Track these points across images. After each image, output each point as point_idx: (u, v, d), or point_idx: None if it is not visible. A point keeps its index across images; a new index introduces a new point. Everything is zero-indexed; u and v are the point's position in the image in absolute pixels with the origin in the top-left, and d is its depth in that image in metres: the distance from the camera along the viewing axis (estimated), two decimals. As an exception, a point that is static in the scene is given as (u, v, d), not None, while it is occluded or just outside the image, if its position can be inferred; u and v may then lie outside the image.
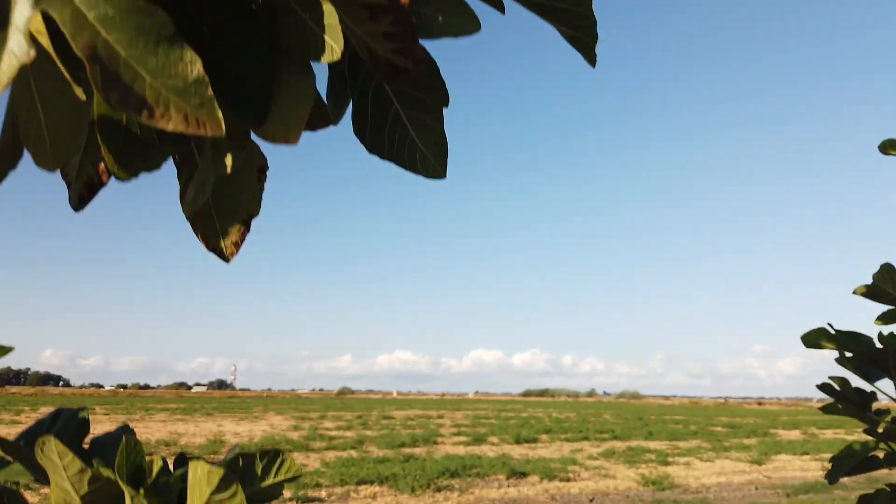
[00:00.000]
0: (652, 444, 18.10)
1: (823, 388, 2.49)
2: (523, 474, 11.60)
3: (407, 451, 15.12)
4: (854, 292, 1.99)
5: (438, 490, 9.89)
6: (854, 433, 24.17)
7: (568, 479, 11.39)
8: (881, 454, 2.31)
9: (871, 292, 1.48)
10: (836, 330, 2.44)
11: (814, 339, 2.53)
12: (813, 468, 13.48)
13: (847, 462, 2.27)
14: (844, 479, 11.89)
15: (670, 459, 14.60)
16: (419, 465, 11.85)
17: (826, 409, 2.47)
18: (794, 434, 23.64)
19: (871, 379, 2.40)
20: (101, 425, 18.54)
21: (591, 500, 9.65)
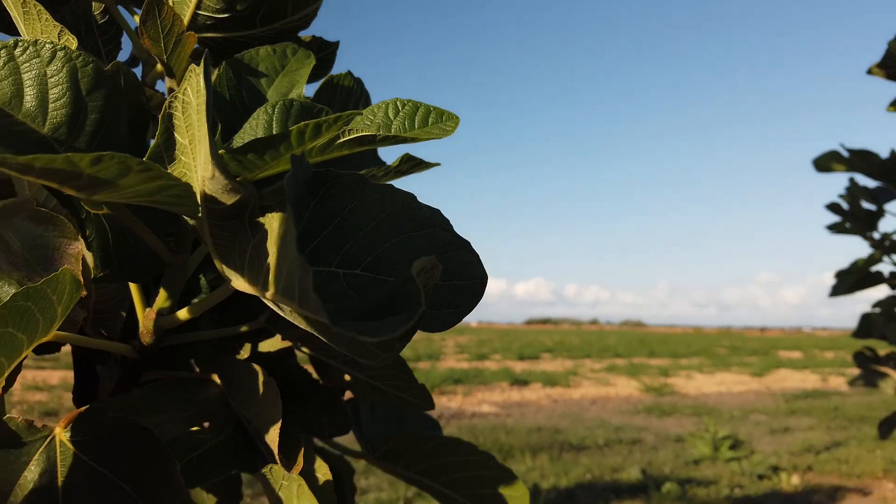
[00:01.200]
0: (653, 362, 18.38)
1: (832, 207, 2.42)
2: (525, 382, 11.83)
3: (411, 365, 15.38)
4: (889, 108, 1.88)
5: (443, 394, 10.10)
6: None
7: (569, 387, 11.60)
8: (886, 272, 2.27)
9: (885, 62, 1.39)
10: (848, 149, 2.36)
11: (825, 162, 2.46)
12: (812, 380, 13.68)
13: (850, 276, 2.24)
14: (843, 388, 12.06)
15: (671, 373, 14.85)
16: (423, 375, 12.09)
17: (833, 228, 2.41)
18: (795, 354, 23.96)
19: (879, 201, 2.33)
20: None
21: (592, 404, 9.84)
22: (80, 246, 0.52)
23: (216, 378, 0.57)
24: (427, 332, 0.42)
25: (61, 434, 0.51)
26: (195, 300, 0.53)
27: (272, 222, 0.36)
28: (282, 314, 0.39)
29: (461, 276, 0.41)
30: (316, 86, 0.70)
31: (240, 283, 0.41)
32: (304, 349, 0.55)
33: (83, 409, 0.51)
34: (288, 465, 0.49)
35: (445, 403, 9.27)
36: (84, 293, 0.49)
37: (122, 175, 0.32)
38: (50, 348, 0.60)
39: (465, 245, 0.42)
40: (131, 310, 0.55)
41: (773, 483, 5.15)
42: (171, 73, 0.59)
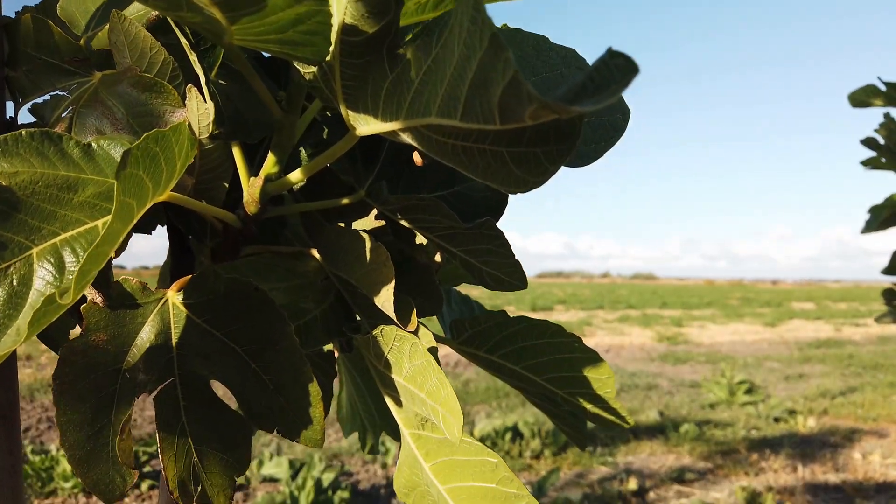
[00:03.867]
0: (666, 312, 18.44)
1: (867, 142, 2.39)
2: (540, 331, 11.91)
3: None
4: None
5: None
6: (868, 304, 24.46)
7: (583, 336, 11.69)
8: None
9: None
10: (885, 83, 2.31)
11: (862, 97, 2.41)
12: (826, 330, 13.70)
13: (884, 211, 2.21)
14: (857, 338, 12.08)
15: (684, 323, 14.91)
16: (437, 326, 12.17)
17: (867, 163, 2.38)
18: (808, 305, 23.96)
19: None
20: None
21: (606, 352, 9.92)
22: (184, 113, 0.52)
23: (314, 252, 0.57)
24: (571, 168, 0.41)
25: (174, 297, 0.51)
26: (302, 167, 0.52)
27: (418, 49, 0.36)
28: (419, 148, 0.38)
29: (602, 112, 0.40)
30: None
31: (371, 126, 0.41)
32: (404, 222, 0.55)
33: (195, 273, 0.51)
34: (403, 323, 0.50)
35: (461, 351, 9.36)
36: (196, 152, 0.49)
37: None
38: (147, 225, 0.60)
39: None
40: (233, 183, 0.55)
41: (790, 425, 5.21)
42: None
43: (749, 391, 6.16)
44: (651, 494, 3.68)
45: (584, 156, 0.40)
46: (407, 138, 0.39)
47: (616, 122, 0.40)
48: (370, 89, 0.40)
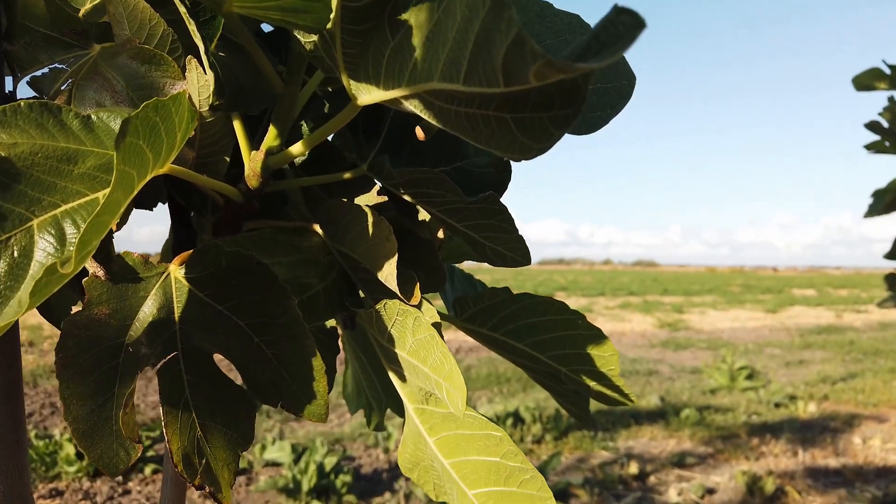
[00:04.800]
0: (667, 299, 18.46)
1: (871, 125, 2.38)
2: (541, 317, 11.93)
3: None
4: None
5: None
6: (869, 290, 24.44)
7: (585, 322, 11.71)
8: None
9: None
10: (890, 66, 2.29)
11: (866, 80, 2.40)
12: (827, 316, 13.71)
13: (887, 195, 2.20)
14: (857, 324, 12.09)
15: (685, 310, 14.93)
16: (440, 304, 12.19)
17: (871, 147, 2.37)
18: (809, 292, 23.97)
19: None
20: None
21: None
22: (184, 85, 0.52)
23: (316, 227, 0.57)
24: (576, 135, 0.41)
25: (176, 271, 0.51)
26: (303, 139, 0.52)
27: (420, 14, 0.35)
28: (422, 117, 0.38)
29: (607, 79, 0.40)
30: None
31: (372, 95, 0.40)
32: (407, 197, 0.55)
33: (196, 248, 0.51)
34: (406, 297, 0.49)
35: (464, 337, 9.39)
36: (196, 124, 0.49)
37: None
38: (148, 201, 0.60)
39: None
40: (233, 158, 0.55)
41: (790, 411, 5.22)
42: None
43: (750, 377, 6.17)
44: (652, 479, 3.70)
45: (589, 123, 0.40)
46: (410, 106, 0.38)
47: (622, 89, 0.40)
48: (371, 57, 0.39)
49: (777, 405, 5.39)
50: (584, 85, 0.31)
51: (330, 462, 3.37)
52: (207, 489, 0.49)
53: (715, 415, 5.03)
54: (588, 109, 0.39)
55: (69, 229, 0.44)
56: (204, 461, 0.50)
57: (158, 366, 0.49)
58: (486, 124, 0.35)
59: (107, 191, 0.45)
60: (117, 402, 0.48)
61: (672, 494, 3.45)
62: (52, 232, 0.43)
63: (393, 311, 0.50)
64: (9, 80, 0.57)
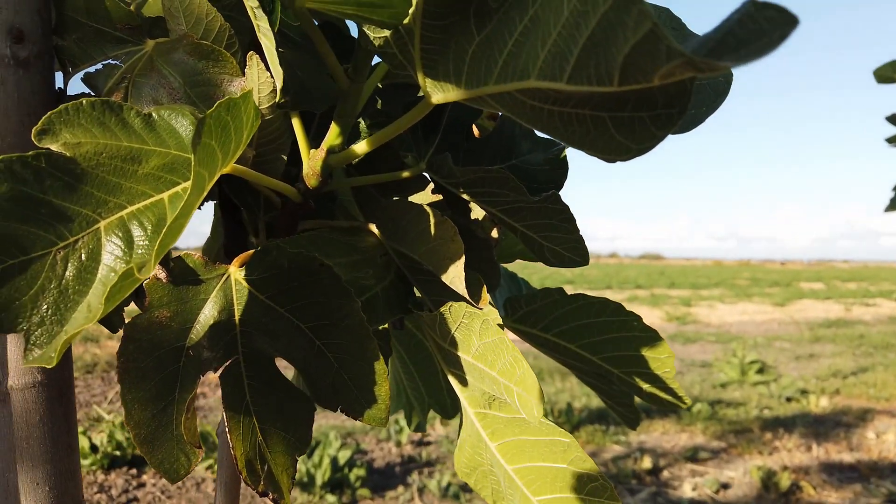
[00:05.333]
0: (674, 293, 18.42)
1: (893, 119, 2.34)
2: (549, 311, 11.92)
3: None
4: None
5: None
6: (878, 284, 24.33)
7: (593, 315, 11.69)
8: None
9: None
10: (915, 58, 2.25)
11: (888, 72, 2.37)
12: (836, 310, 13.65)
13: (911, 188, 2.17)
14: (867, 318, 12.03)
15: (693, 303, 14.89)
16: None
17: (893, 140, 2.34)
18: (817, 285, 23.88)
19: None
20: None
21: (616, 331, 9.92)
22: (243, 81, 0.50)
23: (372, 227, 0.56)
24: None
25: (236, 273, 0.50)
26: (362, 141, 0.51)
27: (511, 10, 0.34)
28: (511, 116, 0.37)
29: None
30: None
31: (449, 93, 0.39)
32: (465, 196, 0.54)
33: (257, 248, 0.50)
34: (474, 299, 0.48)
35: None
36: (258, 122, 0.47)
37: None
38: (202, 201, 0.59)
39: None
40: (291, 156, 0.54)
41: (802, 405, 5.20)
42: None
43: (760, 371, 6.15)
44: (665, 473, 3.69)
45: (685, 122, 0.38)
46: (493, 105, 0.37)
47: (719, 86, 0.38)
48: (453, 53, 0.38)
49: (789, 399, 5.37)
50: (689, 84, 0.30)
51: (344, 456, 3.37)
52: (271, 496, 0.48)
53: (727, 409, 5.02)
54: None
55: (136, 231, 0.42)
56: (266, 467, 0.49)
57: (220, 370, 0.48)
58: (580, 124, 0.34)
59: (173, 191, 0.44)
60: (178, 407, 0.47)
61: (686, 489, 3.44)
62: (120, 234, 0.42)
63: (458, 314, 0.49)
64: (59, 77, 0.56)
